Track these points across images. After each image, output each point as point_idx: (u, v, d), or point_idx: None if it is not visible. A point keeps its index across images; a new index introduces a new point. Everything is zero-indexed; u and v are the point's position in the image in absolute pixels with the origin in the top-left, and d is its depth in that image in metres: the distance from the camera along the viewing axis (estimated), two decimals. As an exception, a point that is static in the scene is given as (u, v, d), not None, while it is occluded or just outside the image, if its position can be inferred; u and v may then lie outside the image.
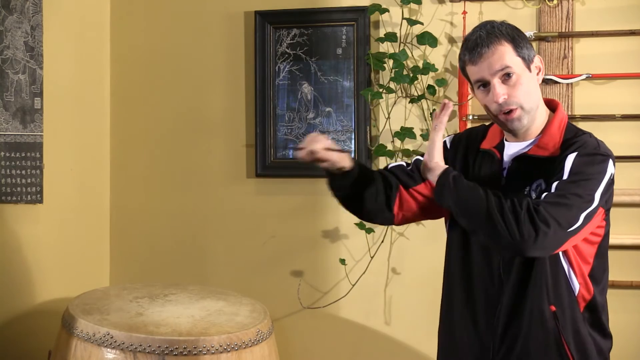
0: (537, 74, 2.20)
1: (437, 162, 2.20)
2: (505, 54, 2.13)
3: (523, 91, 2.14)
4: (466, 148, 2.34)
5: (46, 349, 3.02)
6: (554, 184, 2.08)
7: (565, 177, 2.09)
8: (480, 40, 2.14)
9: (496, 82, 2.14)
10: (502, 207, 2.04)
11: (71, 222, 3.51)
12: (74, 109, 3.53)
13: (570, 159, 2.11)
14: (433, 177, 2.18)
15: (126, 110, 3.79)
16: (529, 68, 2.17)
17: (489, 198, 2.07)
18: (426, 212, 2.36)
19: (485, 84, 2.16)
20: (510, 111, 2.15)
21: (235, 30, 3.67)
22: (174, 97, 3.74)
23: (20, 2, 3.13)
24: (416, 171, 2.34)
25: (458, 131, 3.40)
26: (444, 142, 2.36)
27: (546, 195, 2.08)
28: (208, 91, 3.71)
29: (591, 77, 3.28)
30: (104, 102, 3.78)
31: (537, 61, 2.20)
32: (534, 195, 2.14)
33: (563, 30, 3.31)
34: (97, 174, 3.74)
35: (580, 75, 3.28)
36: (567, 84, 3.30)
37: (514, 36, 2.16)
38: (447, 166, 2.19)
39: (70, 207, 3.50)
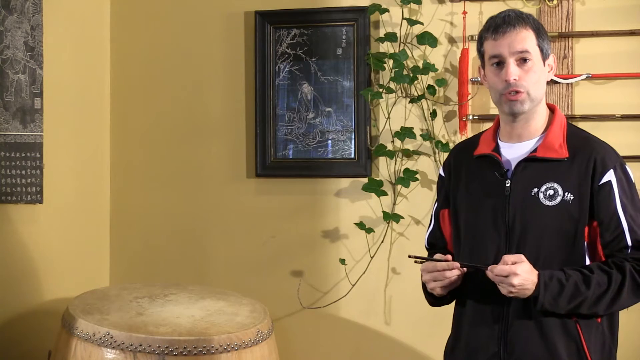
0: (549, 71, 2.24)
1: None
2: (528, 39, 2.18)
3: (534, 79, 2.18)
4: (458, 163, 2.36)
5: (46, 349, 3.02)
6: (626, 226, 2.15)
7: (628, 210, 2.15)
8: (508, 19, 2.20)
9: (512, 61, 2.17)
10: (622, 284, 2.11)
11: (71, 222, 3.51)
12: (74, 109, 3.53)
13: (615, 184, 2.16)
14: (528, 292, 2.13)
15: (126, 110, 3.79)
16: (543, 61, 2.21)
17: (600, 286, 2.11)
18: None
19: (499, 63, 2.20)
20: (517, 93, 2.17)
21: (235, 30, 3.67)
22: (174, 97, 3.74)
23: (20, 2, 3.13)
24: (438, 228, 2.43)
25: (458, 131, 3.40)
26: (439, 175, 2.43)
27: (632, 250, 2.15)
28: (208, 91, 3.71)
29: (591, 77, 3.28)
30: (104, 102, 3.78)
31: (551, 60, 2.25)
32: (541, 197, 2.16)
33: (563, 30, 3.31)
34: (97, 174, 3.73)
35: (580, 75, 3.28)
36: (567, 84, 3.30)
37: (539, 27, 2.21)
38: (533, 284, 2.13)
39: (70, 207, 3.50)
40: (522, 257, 2.11)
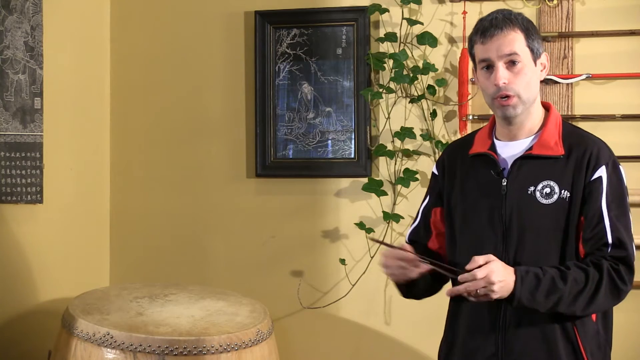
0: (541, 70, 2.22)
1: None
2: (516, 41, 2.16)
3: (524, 81, 2.16)
4: (452, 162, 2.34)
5: (46, 349, 3.02)
6: (608, 221, 2.13)
7: (610, 204, 2.13)
8: (495, 21, 2.17)
9: (500, 65, 2.16)
10: (599, 282, 2.08)
11: (71, 222, 3.51)
12: (74, 109, 3.53)
13: (604, 181, 2.14)
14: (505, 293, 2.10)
15: (126, 110, 3.79)
16: (535, 61, 2.19)
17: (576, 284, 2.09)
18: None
19: (489, 66, 2.18)
20: (507, 97, 2.16)
21: (235, 30, 3.67)
22: (174, 97, 3.74)
23: (20, 2, 3.13)
24: (423, 226, 2.40)
25: (458, 131, 3.40)
26: (432, 172, 2.40)
27: (611, 249, 2.12)
28: (208, 91, 3.71)
29: (591, 77, 3.28)
30: (104, 102, 3.78)
31: (544, 58, 2.23)
32: (538, 195, 2.15)
33: (563, 30, 3.31)
34: (97, 174, 3.73)
35: (580, 75, 3.28)
36: (567, 84, 3.30)
37: (528, 27, 2.19)
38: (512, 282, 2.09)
39: (70, 207, 3.50)
40: (491, 257, 2.07)
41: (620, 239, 2.11)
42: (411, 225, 2.46)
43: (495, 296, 2.06)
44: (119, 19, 3.79)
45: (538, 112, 2.24)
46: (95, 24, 3.72)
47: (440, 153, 3.36)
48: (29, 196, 3.18)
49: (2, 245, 3.12)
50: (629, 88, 3.28)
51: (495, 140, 2.27)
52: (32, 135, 3.18)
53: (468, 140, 2.36)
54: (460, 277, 2.08)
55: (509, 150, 2.23)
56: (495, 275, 2.04)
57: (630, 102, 3.27)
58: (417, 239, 2.42)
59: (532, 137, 2.22)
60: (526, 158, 2.19)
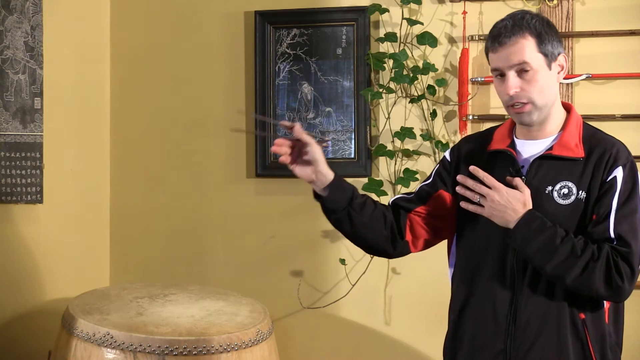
0: (559, 72, 2.19)
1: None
2: (526, 48, 2.13)
3: (537, 88, 2.14)
4: (468, 154, 2.32)
5: (46, 349, 3.02)
6: (614, 216, 2.11)
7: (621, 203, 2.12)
8: (504, 29, 2.14)
9: (511, 74, 2.14)
10: (597, 260, 2.07)
11: (71, 222, 3.51)
12: (74, 109, 3.53)
13: (619, 181, 2.13)
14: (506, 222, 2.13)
15: (126, 110, 3.79)
16: (549, 65, 2.16)
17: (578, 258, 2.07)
18: (437, 233, 2.36)
19: (502, 74, 2.16)
20: (521, 105, 2.15)
21: (235, 30, 3.67)
22: (174, 97, 3.74)
23: (20, 2, 3.13)
24: (416, 197, 2.35)
25: (458, 131, 3.40)
26: (444, 157, 2.37)
27: (617, 241, 2.11)
28: (208, 91, 3.71)
29: (591, 77, 3.28)
30: (104, 102, 3.78)
31: (562, 59, 2.19)
32: (555, 195, 2.14)
33: (563, 30, 3.31)
34: (97, 174, 3.73)
35: (580, 75, 3.28)
36: (567, 84, 3.30)
37: (541, 31, 2.14)
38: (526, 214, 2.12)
39: (70, 207, 3.50)
40: (527, 189, 2.11)
41: (622, 236, 2.10)
42: (401, 193, 2.42)
43: (486, 212, 2.10)
44: (119, 19, 3.79)
45: (558, 114, 2.22)
46: (95, 24, 3.72)
47: (442, 153, 3.36)
48: (29, 196, 3.18)
49: (2, 245, 3.12)
50: (629, 88, 3.28)
51: (515, 139, 2.26)
52: (32, 135, 3.18)
53: (487, 135, 2.33)
54: (471, 168, 2.13)
55: (528, 149, 2.22)
56: (503, 196, 2.09)
57: (630, 102, 3.27)
58: (399, 202, 2.36)
59: (553, 137, 2.20)
60: (546, 158, 2.18)
